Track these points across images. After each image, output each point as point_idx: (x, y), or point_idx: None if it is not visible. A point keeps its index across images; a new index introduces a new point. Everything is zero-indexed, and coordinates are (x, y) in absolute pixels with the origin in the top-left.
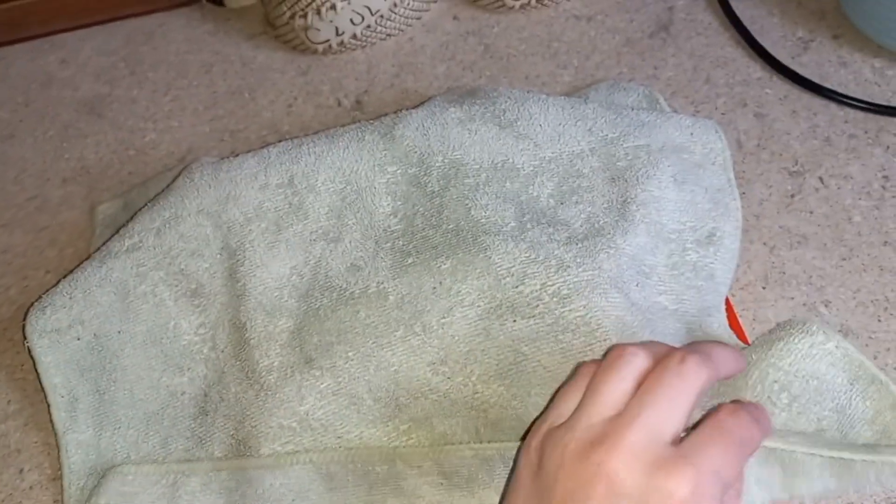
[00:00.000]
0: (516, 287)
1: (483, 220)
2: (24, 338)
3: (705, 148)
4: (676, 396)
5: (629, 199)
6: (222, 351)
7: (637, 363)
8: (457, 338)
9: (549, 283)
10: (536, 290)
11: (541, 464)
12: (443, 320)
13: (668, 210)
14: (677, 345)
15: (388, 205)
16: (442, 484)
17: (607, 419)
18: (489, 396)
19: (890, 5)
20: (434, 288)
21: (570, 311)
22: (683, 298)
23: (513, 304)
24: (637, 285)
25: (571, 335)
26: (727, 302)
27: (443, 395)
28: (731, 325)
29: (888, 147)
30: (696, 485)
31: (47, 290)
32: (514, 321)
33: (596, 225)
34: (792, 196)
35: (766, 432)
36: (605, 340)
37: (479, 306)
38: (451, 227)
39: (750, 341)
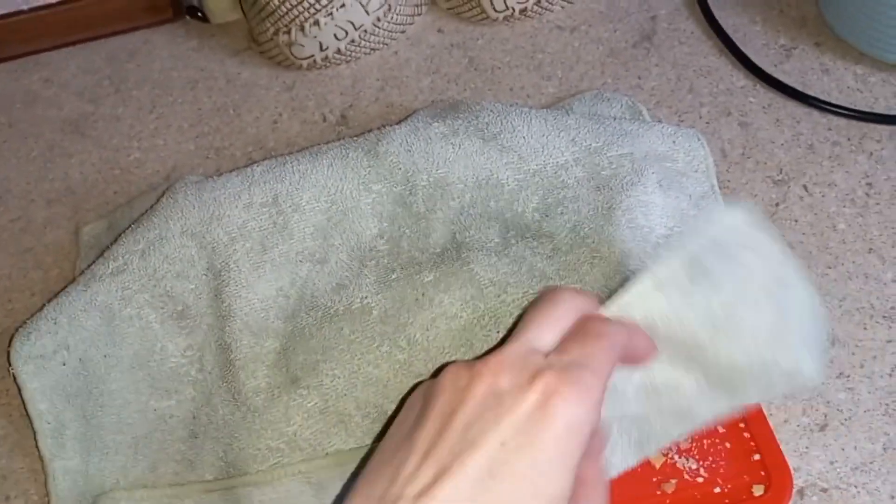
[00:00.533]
0: (499, 296)
1: (468, 241)
2: (9, 364)
3: (688, 156)
4: (550, 318)
5: (615, 206)
6: (210, 373)
7: None
8: (442, 350)
9: (532, 291)
10: (518, 299)
11: (428, 389)
12: (427, 332)
13: (655, 214)
14: None
15: (375, 226)
16: None
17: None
18: None
19: (869, 13)
20: (417, 299)
21: None
22: None
23: (495, 314)
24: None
25: None
26: None
27: None
28: None
29: (871, 154)
30: (572, 382)
31: (32, 314)
32: (498, 332)
33: (581, 234)
34: (777, 205)
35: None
36: None
37: (461, 318)
38: (437, 250)
39: None
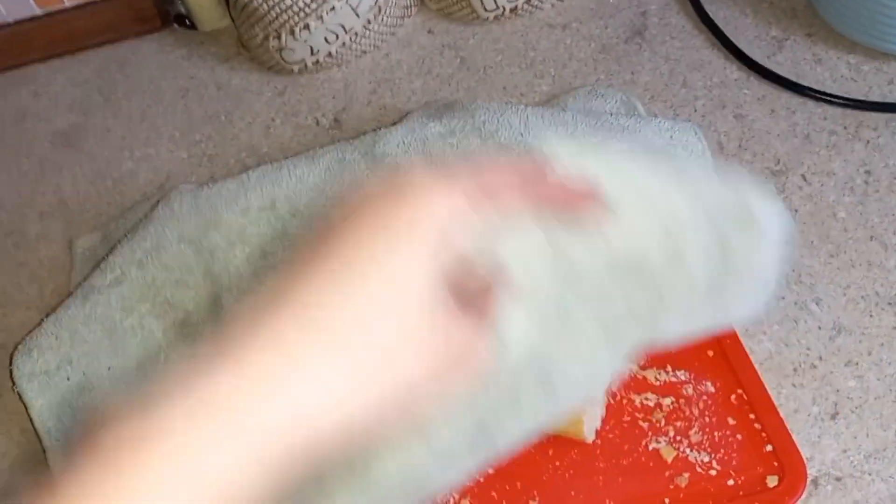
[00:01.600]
0: None
1: None
2: (13, 382)
3: (686, 150)
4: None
5: None
6: None
7: None
8: None
9: None
10: None
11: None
12: None
13: None
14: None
15: None
16: None
17: None
18: None
19: (860, 2)
20: None
21: None
22: None
23: None
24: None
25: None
26: None
27: None
28: None
29: (868, 142)
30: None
31: (30, 330)
32: None
33: None
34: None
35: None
36: None
37: None
38: None
39: (741, 338)
